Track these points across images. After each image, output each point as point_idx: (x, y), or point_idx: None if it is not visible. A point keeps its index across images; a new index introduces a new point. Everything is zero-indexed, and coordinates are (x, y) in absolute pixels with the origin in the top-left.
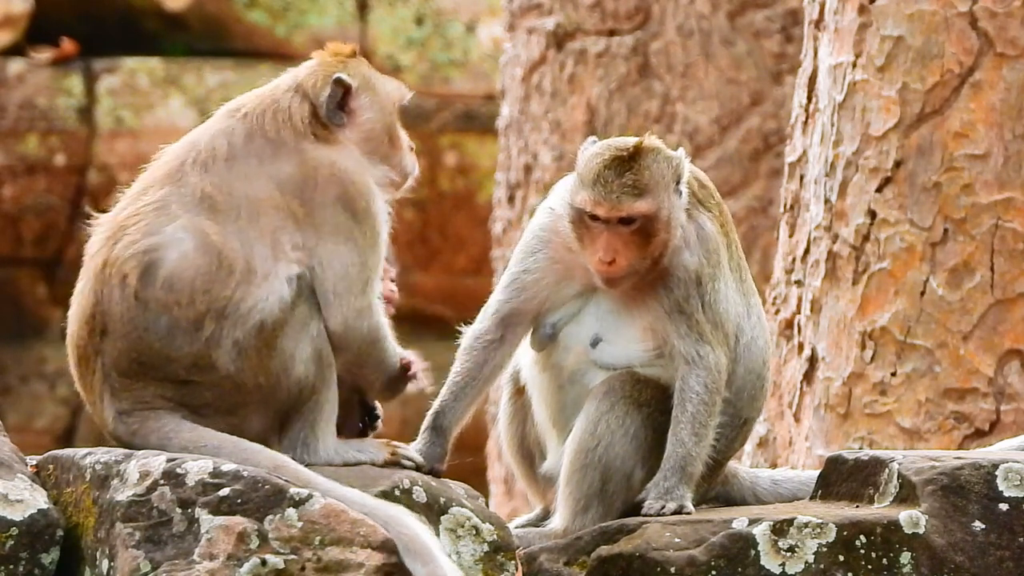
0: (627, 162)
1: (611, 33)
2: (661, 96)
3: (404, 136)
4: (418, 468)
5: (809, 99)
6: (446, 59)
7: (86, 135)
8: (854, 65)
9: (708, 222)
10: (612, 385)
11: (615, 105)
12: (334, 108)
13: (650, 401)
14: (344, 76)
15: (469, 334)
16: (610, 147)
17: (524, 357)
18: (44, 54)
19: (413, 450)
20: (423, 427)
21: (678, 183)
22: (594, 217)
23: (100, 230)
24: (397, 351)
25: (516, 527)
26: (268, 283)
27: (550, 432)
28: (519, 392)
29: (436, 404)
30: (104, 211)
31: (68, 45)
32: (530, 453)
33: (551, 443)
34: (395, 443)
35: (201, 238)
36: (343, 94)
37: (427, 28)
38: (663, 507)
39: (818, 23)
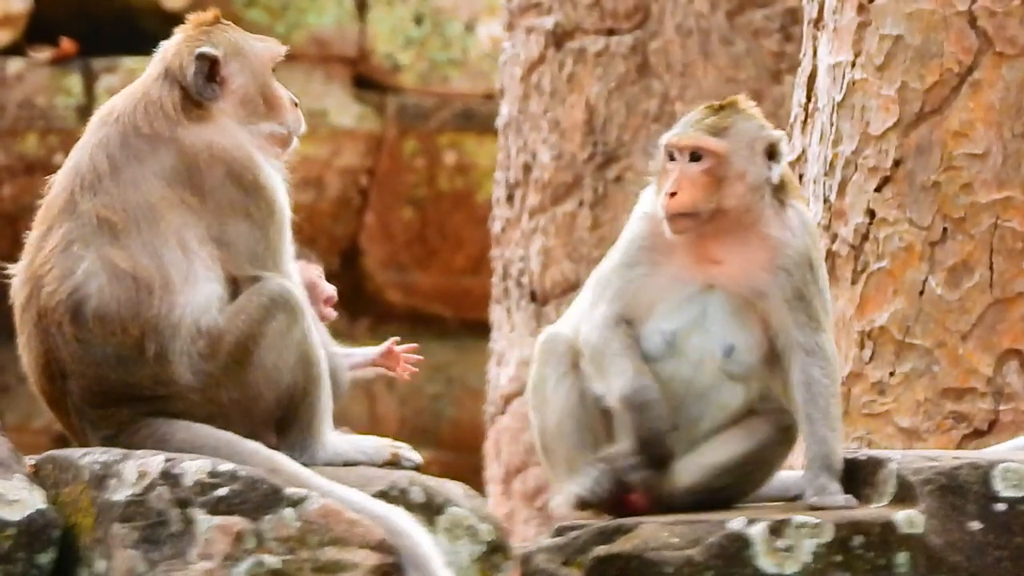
0: (715, 110)
1: (610, 32)
2: (660, 95)
3: (284, 93)
4: (417, 468)
5: (808, 98)
6: (445, 58)
7: None
8: (853, 64)
9: (806, 211)
10: (760, 426)
11: (614, 104)
12: (204, 83)
13: (787, 440)
14: (207, 49)
15: (595, 334)
16: (709, 102)
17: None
18: (43, 53)
19: (412, 450)
20: (628, 405)
21: (770, 157)
22: (670, 157)
23: (19, 281)
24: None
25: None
26: (188, 286)
27: None
28: (575, 367)
29: (631, 379)
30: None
31: (67, 44)
32: (593, 433)
33: None
34: (396, 443)
35: (111, 269)
36: (210, 66)
37: (426, 27)
38: (827, 504)
39: (817, 22)
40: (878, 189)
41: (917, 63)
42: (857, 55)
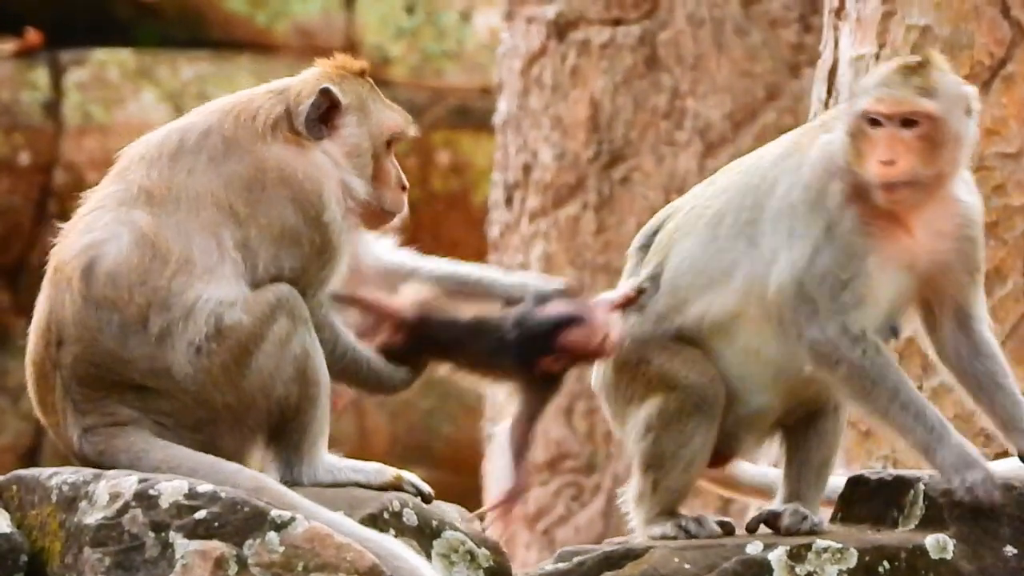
0: (916, 69)
1: (616, 22)
2: (670, 90)
3: (395, 172)
4: (424, 499)
5: (829, 93)
6: (439, 50)
7: (52, 132)
8: (877, 57)
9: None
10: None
11: (620, 100)
12: (315, 119)
13: None
14: (334, 88)
15: (871, 356)
16: (897, 60)
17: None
18: (7, 45)
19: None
20: (941, 437)
21: (968, 113)
22: (875, 122)
23: (59, 238)
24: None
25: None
26: (215, 278)
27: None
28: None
29: (932, 411)
30: (69, 216)
31: (33, 35)
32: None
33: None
34: (403, 472)
35: (135, 230)
36: (329, 107)
37: (418, 17)
38: None
39: (839, 12)
40: None
41: (946, 55)
42: (882, 47)
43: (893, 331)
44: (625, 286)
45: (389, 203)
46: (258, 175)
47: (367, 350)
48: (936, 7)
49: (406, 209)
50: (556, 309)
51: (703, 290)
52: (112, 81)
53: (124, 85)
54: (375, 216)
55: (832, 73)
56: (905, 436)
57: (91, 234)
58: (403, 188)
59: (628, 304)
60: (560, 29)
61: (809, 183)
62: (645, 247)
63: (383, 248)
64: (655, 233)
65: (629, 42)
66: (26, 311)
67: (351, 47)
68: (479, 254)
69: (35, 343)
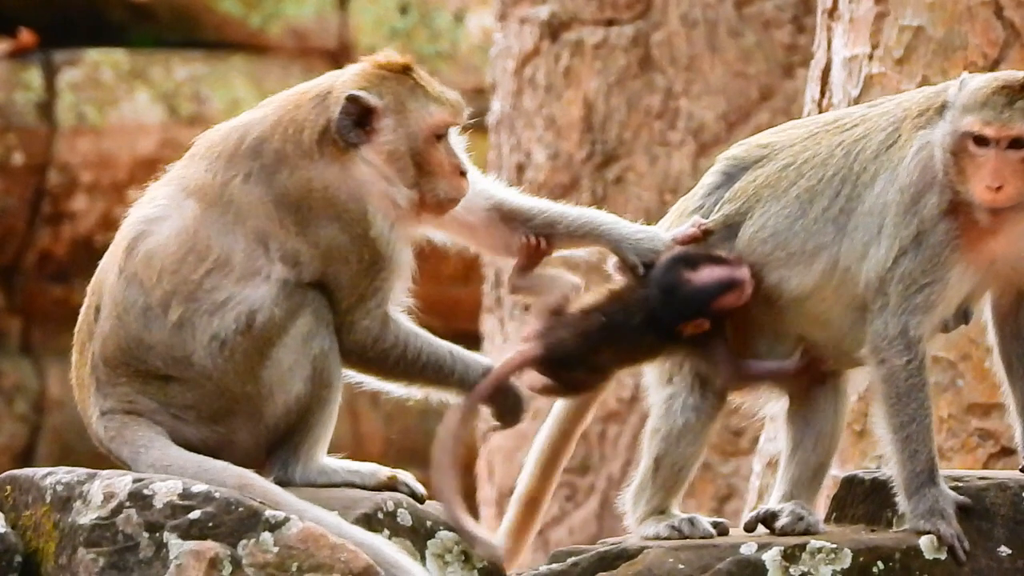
0: (1019, 91)
1: (610, 23)
2: (664, 90)
3: (448, 161)
4: (418, 500)
5: (822, 94)
6: (433, 51)
7: (46, 133)
8: (871, 57)
9: None
10: None
11: (614, 100)
12: (349, 126)
13: None
14: (362, 94)
15: (912, 369)
16: (997, 78)
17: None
18: (1, 45)
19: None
20: (922, 486)
21: None
22: (981, 141)
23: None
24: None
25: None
26: (252, 282)
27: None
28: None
29: (928, 455)
30: (63, 214)
31: (26, 36)
32: None
33: None
34: (398, 471)
35: (182, 219)
36: (362, 112)
37: (412, 18)
38: None
39: (832, 12)
40: None
41: (939, 56)
42: (875, 47)
43: (965, 315)
44: (693, 221)
45: (444, 192)
46: (305, 195)
47: (445, 344)
48: (929, 8)
49: (468, 191)
50: (713, 275)
51: (782, 264)
52: (106, 82)
53: (118, 86)
54: (434, 206)
55: (825, 74)
56: (893, 463)
57: (148, 209)
58: (461, 174)
59: (693, 242)
60: (553, 30)
61: (904, 187)
62: (728, 175)
63: (491, 186)
64: (744, 169)
65: (622, 43)
66: (21, 312)
67: (344, 48)
68: (471, 256)
69: (84, 310)
